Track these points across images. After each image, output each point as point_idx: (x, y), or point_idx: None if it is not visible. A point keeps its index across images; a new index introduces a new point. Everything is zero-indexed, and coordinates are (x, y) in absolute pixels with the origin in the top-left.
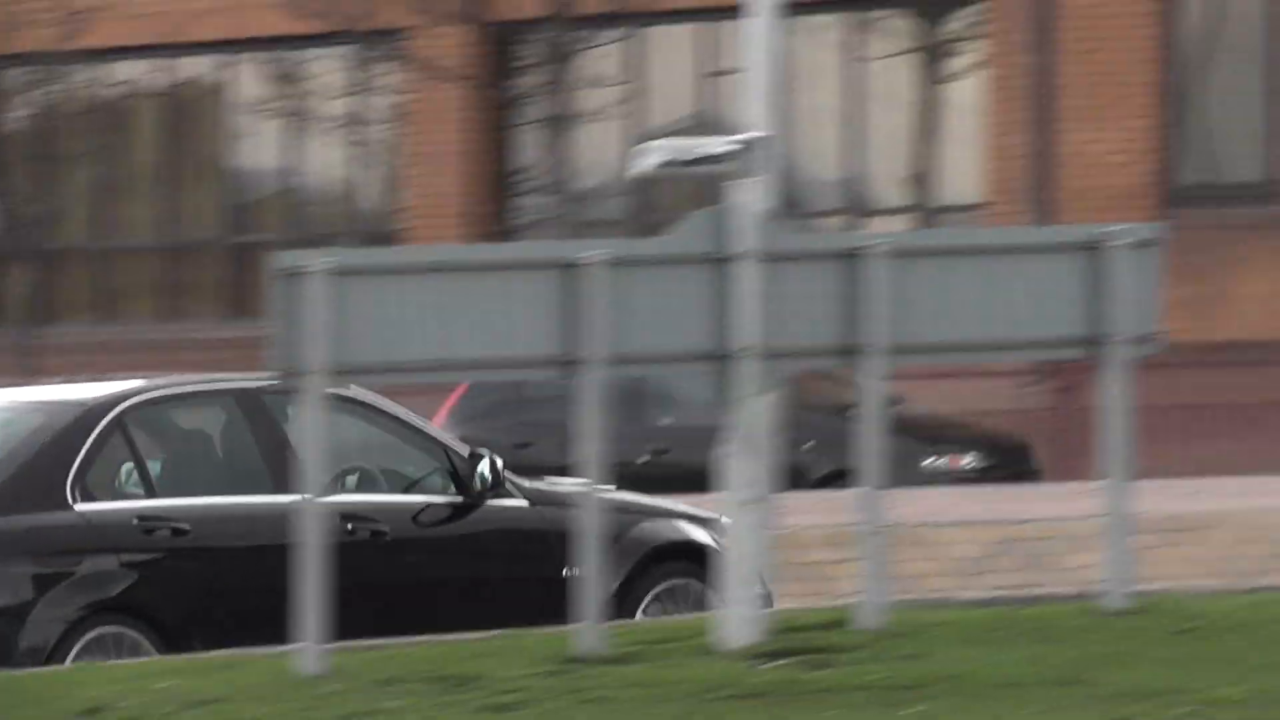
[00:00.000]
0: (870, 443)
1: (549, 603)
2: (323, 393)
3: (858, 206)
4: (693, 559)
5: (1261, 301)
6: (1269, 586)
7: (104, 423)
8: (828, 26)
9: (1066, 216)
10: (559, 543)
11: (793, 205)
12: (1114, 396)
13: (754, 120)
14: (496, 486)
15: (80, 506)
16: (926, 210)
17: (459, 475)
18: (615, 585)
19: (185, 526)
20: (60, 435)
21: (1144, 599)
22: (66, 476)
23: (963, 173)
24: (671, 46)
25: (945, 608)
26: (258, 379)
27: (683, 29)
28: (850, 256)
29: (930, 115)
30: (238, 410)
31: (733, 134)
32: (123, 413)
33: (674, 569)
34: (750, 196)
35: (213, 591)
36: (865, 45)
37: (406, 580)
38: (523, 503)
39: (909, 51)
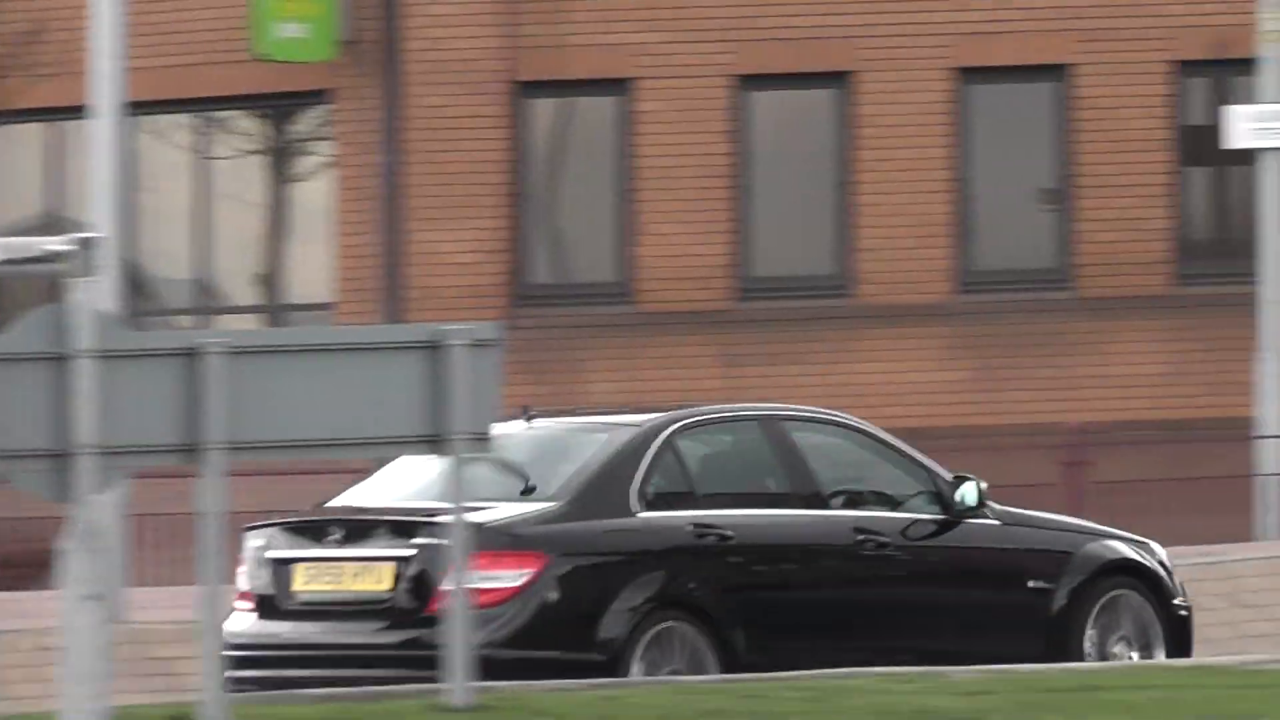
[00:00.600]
0: (208, 539)
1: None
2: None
3: (207, 305)
4: (1131, 574)
5: (610, 398)
6: (613, 682)
7: (658, 442)
8: (176, 126)
9: (417, 315)
10: (1026, 558)
11: (140, 304)
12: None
13: (98, 219)
14: (979, 508)
15: (642, 515)
16: (276, 309)
17: (943, 496)
18: (1067, 595)
19: (729, 534)
20: (622, 452)
21: (491, 695)
22: (629, 488)
23: (313, 271)
24: (19, 144)
25: (289, 703)
26: (776, 407)
27: (31, 127)
28: (188, 355)
29: (279, 214)
30: (760, 433)
31: (76, 233)
32: (672, 434)
33: (1119, 582)
34: (90, 295)
35: (753, 591)
36: (213, 145)
37: (902, 578)
38: (995, 523)
39: (257, 152)
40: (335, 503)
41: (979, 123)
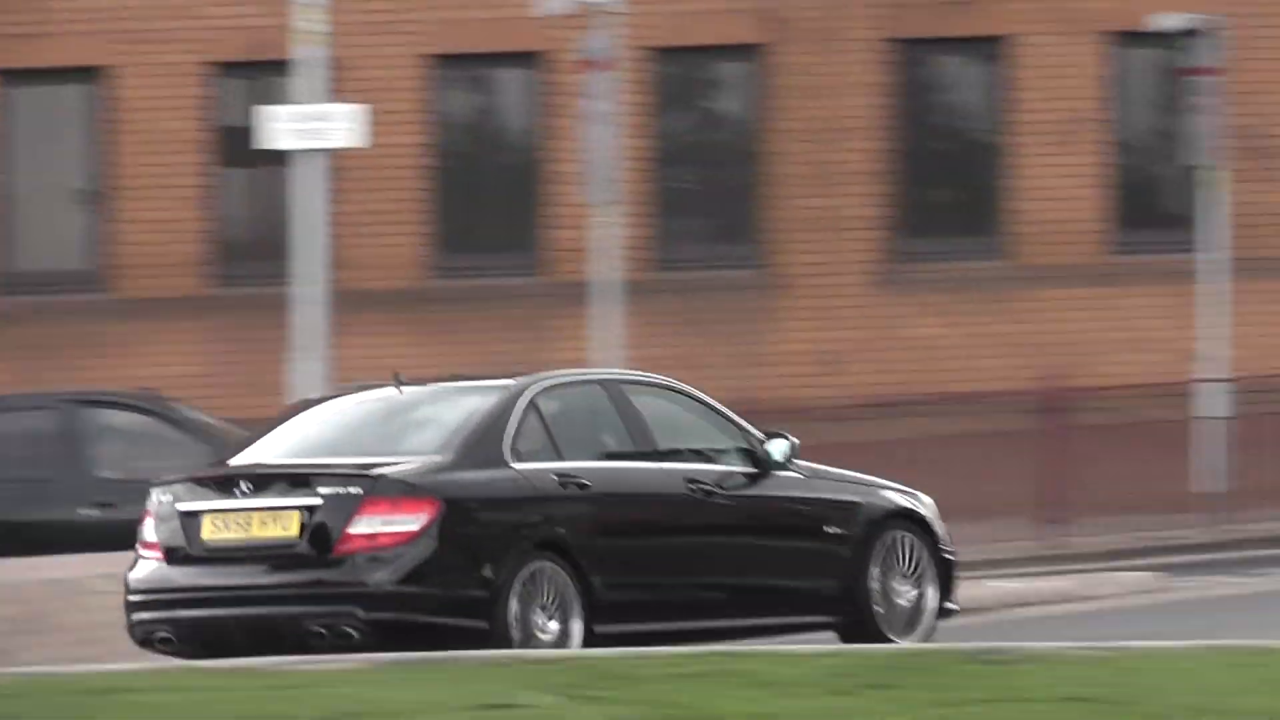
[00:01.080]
0: None
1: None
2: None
3: None
4: (908, 520)
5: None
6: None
7: (522, 401)
8: None
9: None
10: (823, 506)
11: None
12: None
13: None
14: (785, 464)
15: (516, 466)
16: None
17: (755, 453)
18: (857, 539)
19: (587, 483)
20: (494, 410)
21: None
22: (503, 443)
23: None
24: None
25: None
26: (616, 372)
27: None
28: None
29: None
30: (604, 395)
31: None
32: (534, 395)
33: (899, 526)
34: None
35: (608, 534)
36: None
37: (725, 523)
38: (799, 476)
39: None
40: (236, 460)
41: (19, 125)
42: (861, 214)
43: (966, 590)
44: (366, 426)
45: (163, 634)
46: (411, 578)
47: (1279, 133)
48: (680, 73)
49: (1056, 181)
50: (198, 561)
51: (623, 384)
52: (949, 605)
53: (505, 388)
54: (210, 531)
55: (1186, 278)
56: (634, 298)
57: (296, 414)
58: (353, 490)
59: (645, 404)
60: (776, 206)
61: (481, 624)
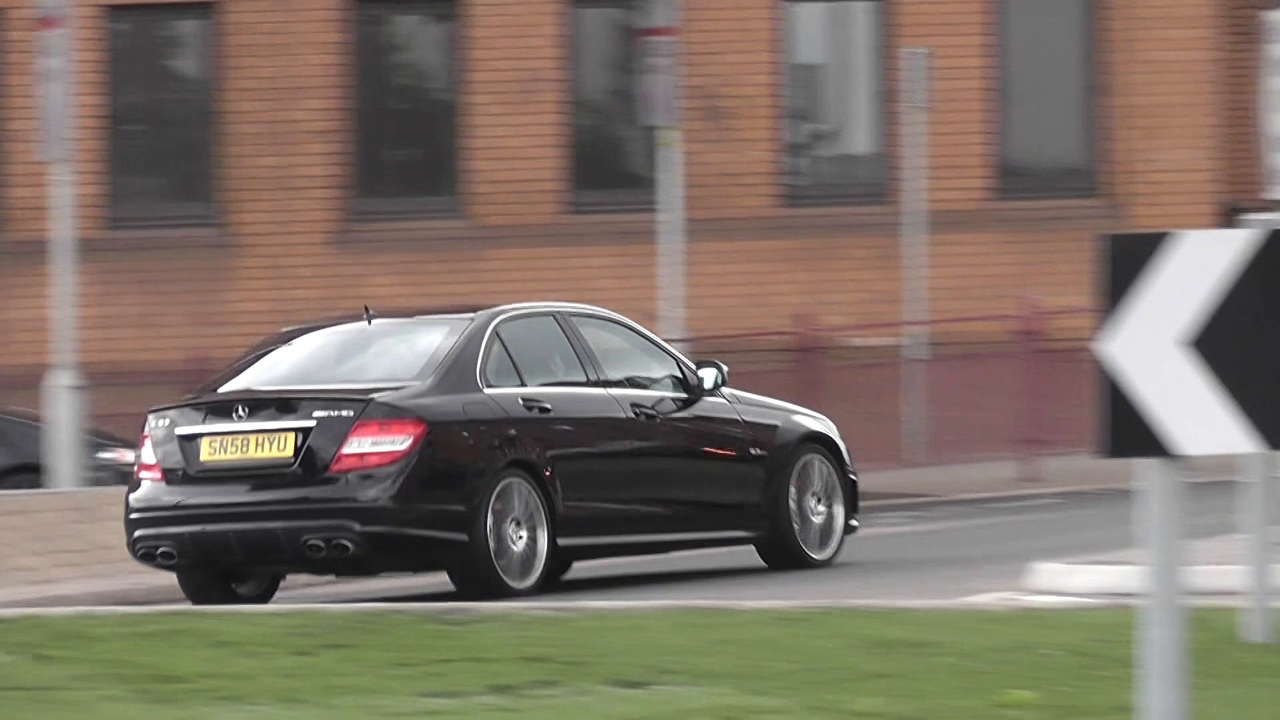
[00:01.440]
0: None
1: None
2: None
3: None
4: (820, 443)
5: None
6: None
7: (489, 331)
8: None
9: None
10: (748, 429)
11: None
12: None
13: None
14: (715, 390)
15: (487, 391)
16: None
17: (687, 380)
18: (775, 459)
19: (548, 406)
20: (465, 339)
21: None
22: (475, 369)
23: None
24: None
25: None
26: (564, 305)
27: None
28: None
29: None
30: (556, 325)
31: None
32: (498, 324)
33: (812, 449)
34: None
35: (567, 453)
36: None
37: (664, 446)
38: (725, 402)
39: None
40: (226, 387)
41: None
42: (318, 173)
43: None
44: (345, 355)
45: (165, 549)
46: (400, 494)
47: (732, 93)
48: (136, 30)
49: (514, 141)
50: (196, 481)
51: (571, 316)
52: (853, 523)
53: (471, 319)
54: (208, 453)
55: (645, 238)
56: (90, 256)
57: (274, 344)
58: (344, 413)
59: (591, 334)
60: (233, 165)
61: (462, 536)
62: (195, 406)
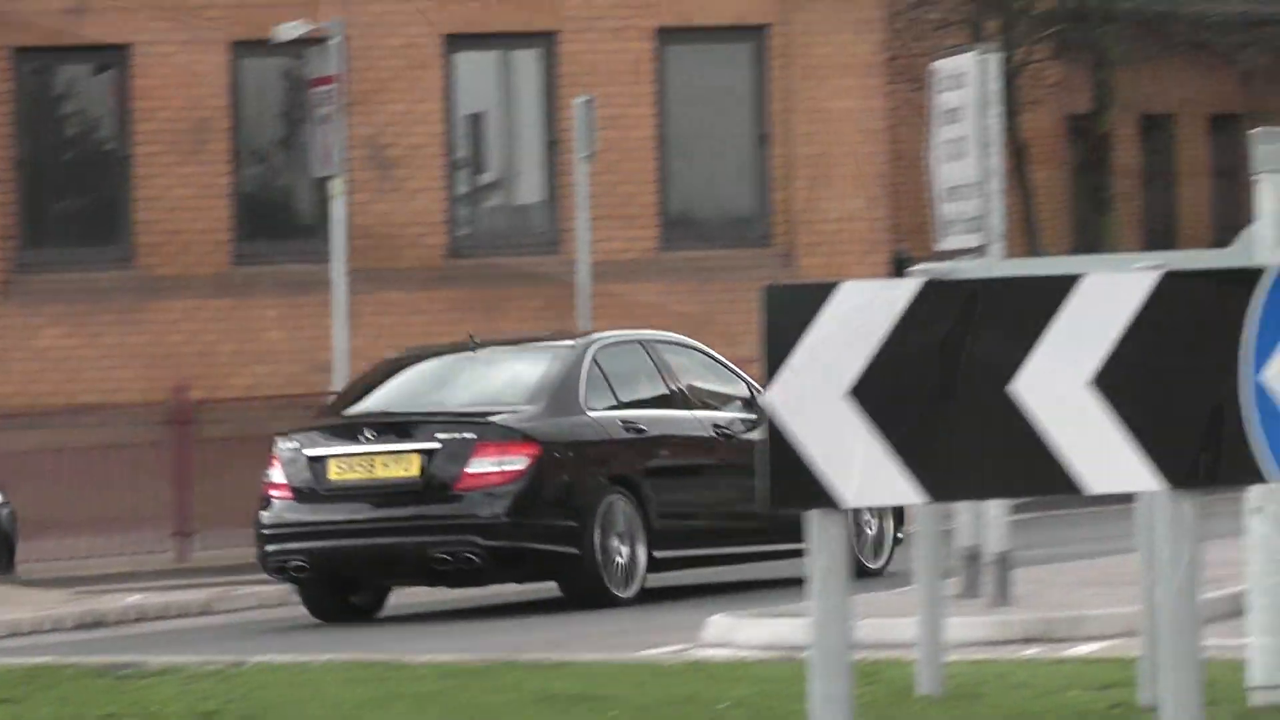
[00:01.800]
0: None
1: None
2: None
3: None
4: None
5: None
6: None
7: (588, 358)
8: None
9: None
10: None
11: None
12: None
13: None
14: None
15: (590, 414)
16: None
17: (754, 401)
18: None
19: (644, 428)
20: (567, 365)
21: None
22: (578, 394)
23: None
24: None
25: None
26: (647, 333)
27: None
28: None
29: None
30: (643, 352)
31: None
32: (595, 352)
33: None
34: None
35: (661, 472)
36: None
37: (741, 463)
38: None
39: None
40: (351, 410)
41: None
42: None
43: (101, 604)
44: (455, 381)
45: (296, 562)
46: (519, 510)
47: (400, 143)
48: None
49: (183, 191)
50: (325, 499)
51: (655, 342)
52: (899, 535)
53: (572, 346)
54: (336, 472)
55: (316, 289)
56: None
57: (389, 371)
58: (467, 435)
59: (675, 360)
60: None
61: (573, 550)
62: (321, 429)
